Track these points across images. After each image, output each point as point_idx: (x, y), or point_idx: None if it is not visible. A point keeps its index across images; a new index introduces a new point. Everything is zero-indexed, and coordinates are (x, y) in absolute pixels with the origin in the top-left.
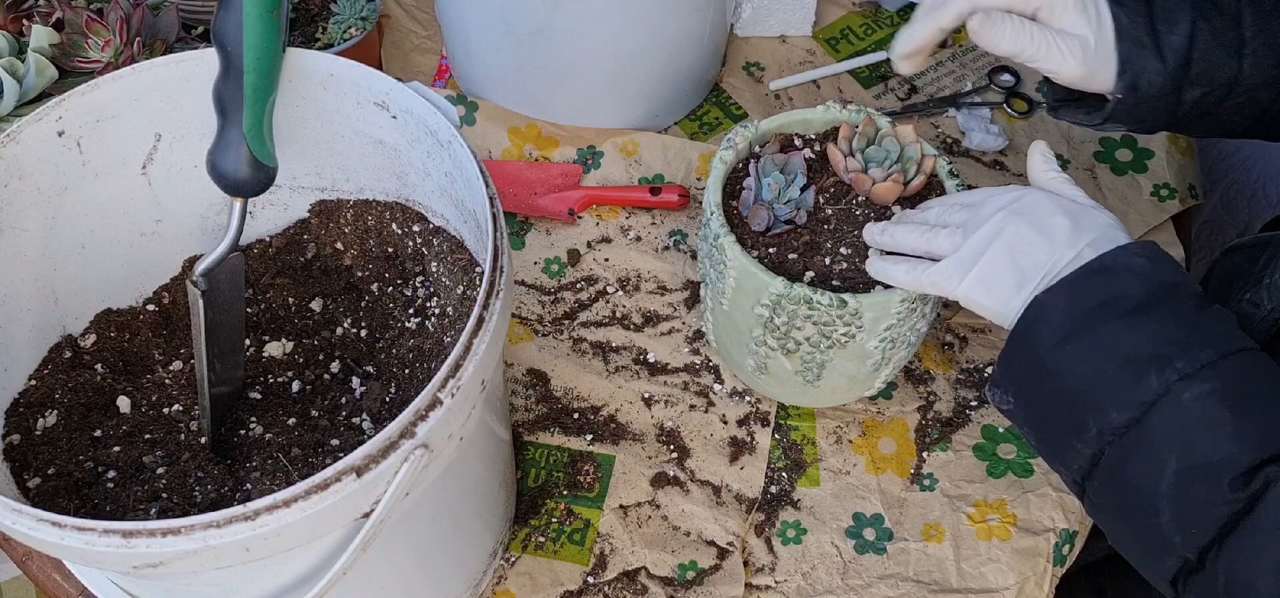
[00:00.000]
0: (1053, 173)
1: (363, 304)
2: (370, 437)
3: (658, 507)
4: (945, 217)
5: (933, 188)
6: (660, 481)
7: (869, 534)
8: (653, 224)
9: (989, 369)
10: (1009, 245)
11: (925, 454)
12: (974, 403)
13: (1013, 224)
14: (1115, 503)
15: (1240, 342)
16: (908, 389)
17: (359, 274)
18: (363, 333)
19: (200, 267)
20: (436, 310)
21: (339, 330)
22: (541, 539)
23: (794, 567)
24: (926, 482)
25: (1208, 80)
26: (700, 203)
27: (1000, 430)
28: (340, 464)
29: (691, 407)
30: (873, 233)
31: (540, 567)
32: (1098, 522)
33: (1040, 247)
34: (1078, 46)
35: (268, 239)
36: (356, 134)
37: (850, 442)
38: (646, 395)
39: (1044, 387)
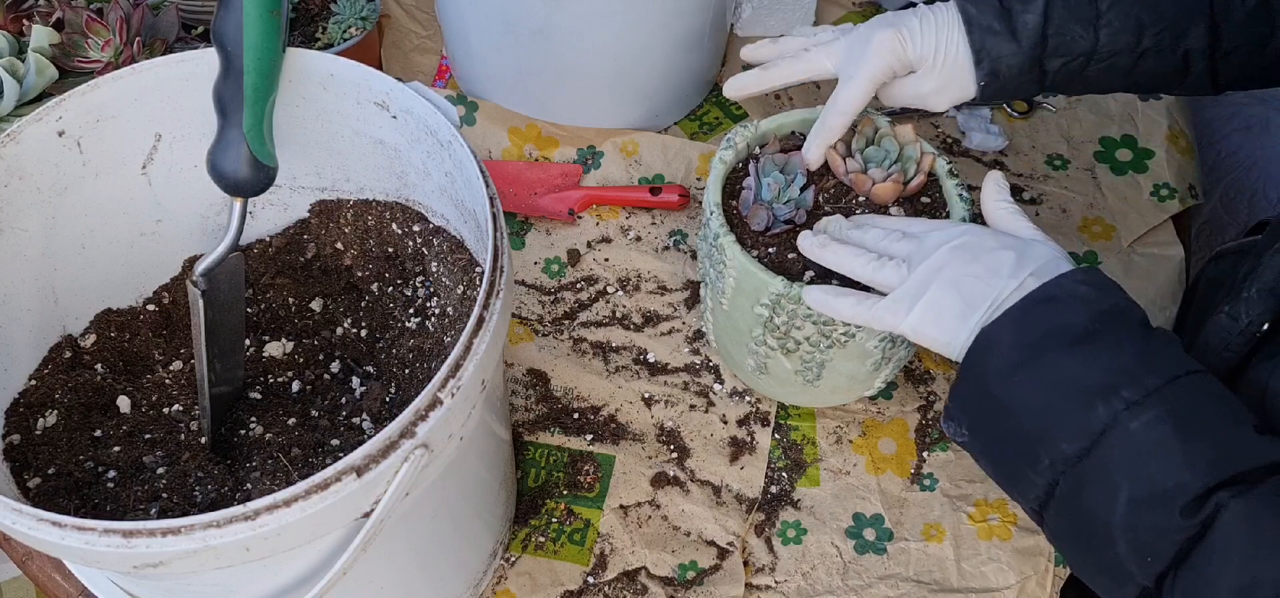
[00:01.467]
0: (1002, 203)
1: (363, 304)
2: (370, 437)
3: (658, 507)
4: (887, 245)
5: (933, 188)
6: (660, 480)
7: (869, 534)
8: (653, 224)
9: None
10: (954, 278)
11: (925, 454)
12: None
13: (957, 257)
14: (1072, 532)
15: (1187, 366)
16: (908, 389)
17: (359, 274)
18: (363, 333)
19: (200, 267)
20: (436, 310)
21: (339, 330)
22: (541, 539)
23: (794, 567)
24: (927, 481)
25: (1066, 51)
26: (700, 203)
27: None
28: (340, 464)
29: (691, 407)
30: (810, 246)
31: (540, 567)
32: (1058, 550)
33: (985, 278)
34: (933, 86)
35: (268, 239)
36: (356, 134)
37: (850, 442)
38: (646, 395)
39: (996, 418)
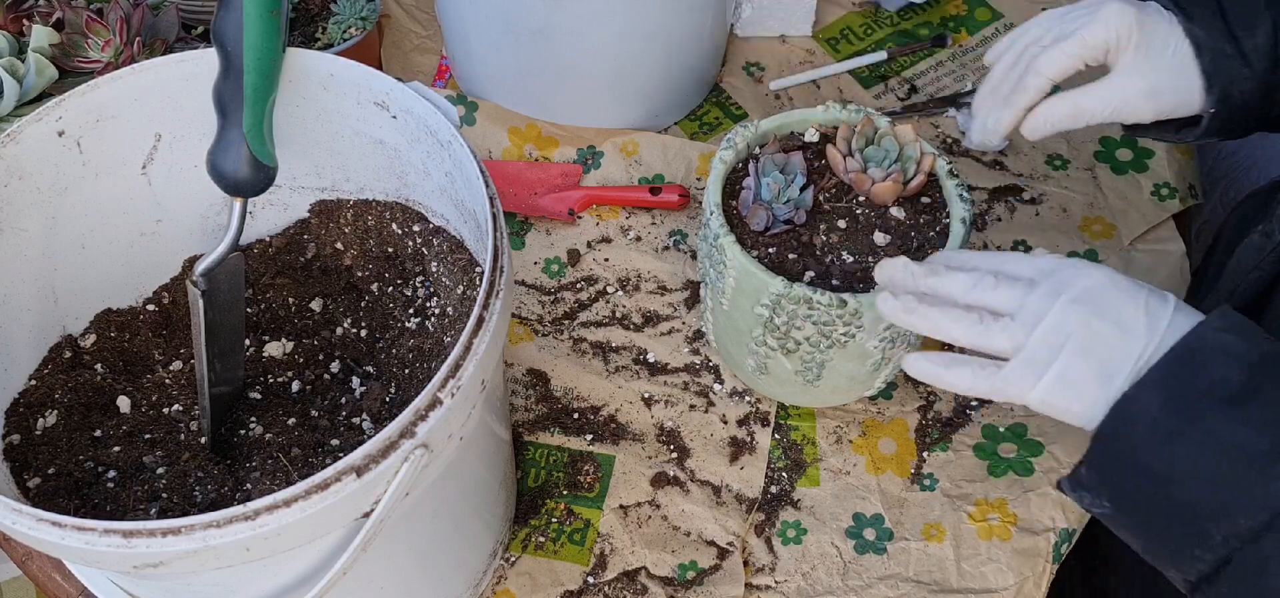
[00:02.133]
0: None
1: (363, 304)
2: (370, 437)
3: (658, 507)
4: (983, 297)
5: (933, 187)
6: (660, 481)
7: (869, 534)
8: (653, 224)
9: None
10: (1083, 344)
11: (926, 454)
12: (974, 403)
13: (1079, 314)
14: None
15: None
16: (908, 389)
17: (359, 274)
18: (363, 333)
19: (200, 267)
20: (436, 310)
21: (339, 330)
22: (541, 539)
23: (794, 567)
24: (927, 482)
25: None
26: (700, 203)
27: (1000, 430)
28: (340, 464)
29: (691, 407)
30: (895, 312)
31: (540, 567)
32: None
33: (1118, 338)
34: (1144, 86)
35: (268, 239)
36: (356, 134)
37: (850, 442)
38: (646, 395)
39: (1149, 491)
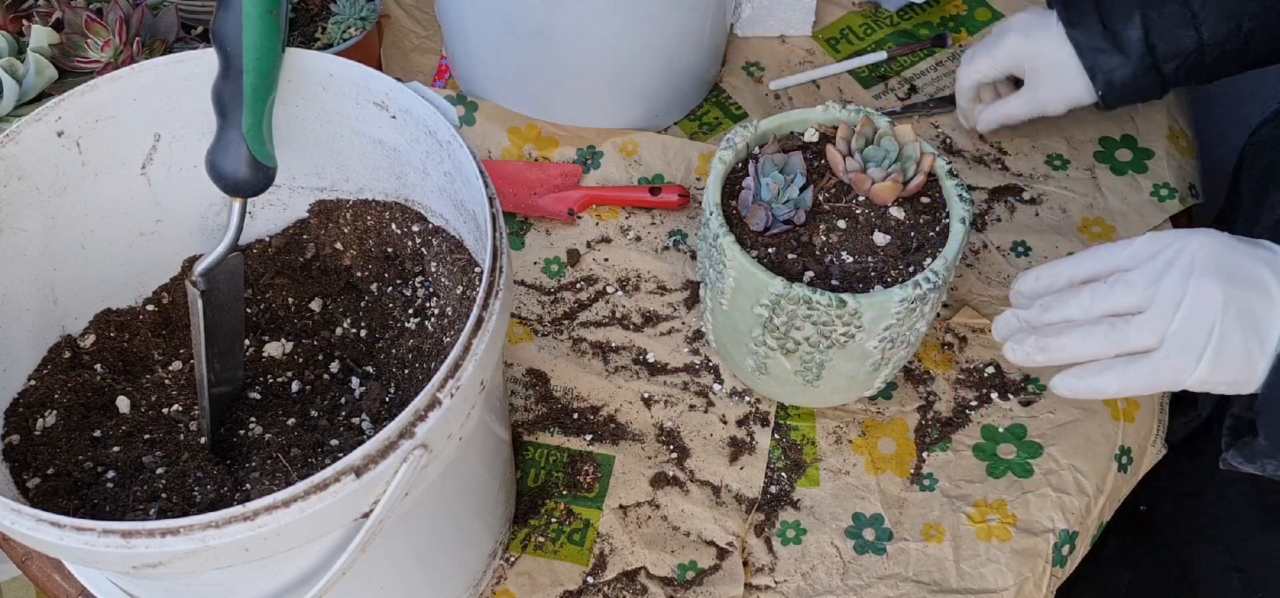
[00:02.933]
0: None
1: (362, 304)
2: (370, 437)
3: (657, 507)
4: (1108, 303)
5: (932, 187)
6: (660, 481)
7: (869, 534)
8: (652, 224)
9: (989, 369)
10: (1232, 314)
11: (925, 454)
12: (974, 403)
13: (1216, 286)
14: None
15: None
16: (907, 389)
17: (358, 274)
18: (362, 333)
19: (200, 267)
20: (436, 310)
21: (338, 330)
22: (541, 539)
23: (794, 567)
24: (926, 482)
25: (1175, 53)
26: (700, 203)
27: (1000, 430)
28: (340, 464)
29: (691, 407)
30: (1030, 355)
31: (540, 567)
32: None
33: (1261, 300)
34: (1050, 92)
35: (267, 239)
36: (356, 134)
37: (850, 442)
38: (646, 395)
39: None
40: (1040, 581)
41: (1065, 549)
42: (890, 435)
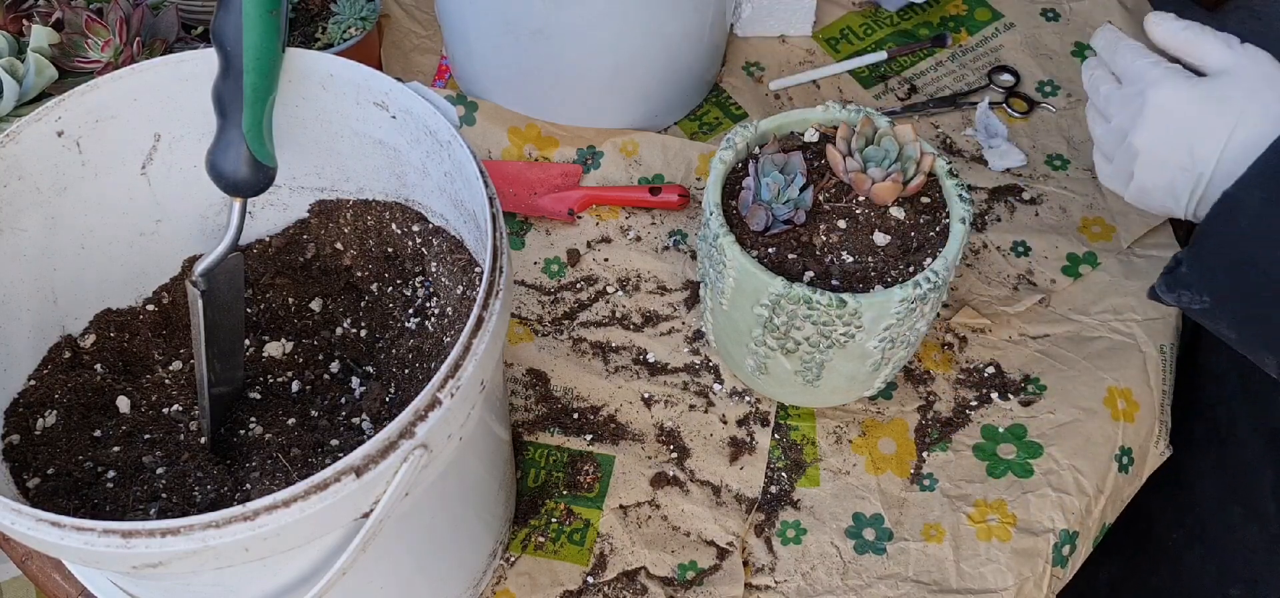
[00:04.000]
0: (1179, 32)
1: (362, 304)
2: (370, 437)
3: (657, 507)
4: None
5: (933, 187)
6: (660, 481)
7: (869, 534)
8: (652, 224)
9: (989, 369)
10: (1156, 144)
11: (925, 454)
12: (974, 403)
13: (1157, 126)
14: None
15: None
16: (908, 389)
17: (358, 274)
18: (362, 333)
19: (200, 267)
20: (436, 310)
21: (339, 330)
22: (541, 539)
23: (794, 567)
24: (926, 482)
25: None
26: (700, 203)
27: (1000, 430)
28: (340, 464)
29: (691, 407)
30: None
31: (540, 567)
32: None
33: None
34: None
35: (267, 239)
36: (356, 134)
37: (850, 442)
38: (646, 395)
39: (1254, 283)
40: (1041, 581)
41: (1066, 550)
42: (890, 435)
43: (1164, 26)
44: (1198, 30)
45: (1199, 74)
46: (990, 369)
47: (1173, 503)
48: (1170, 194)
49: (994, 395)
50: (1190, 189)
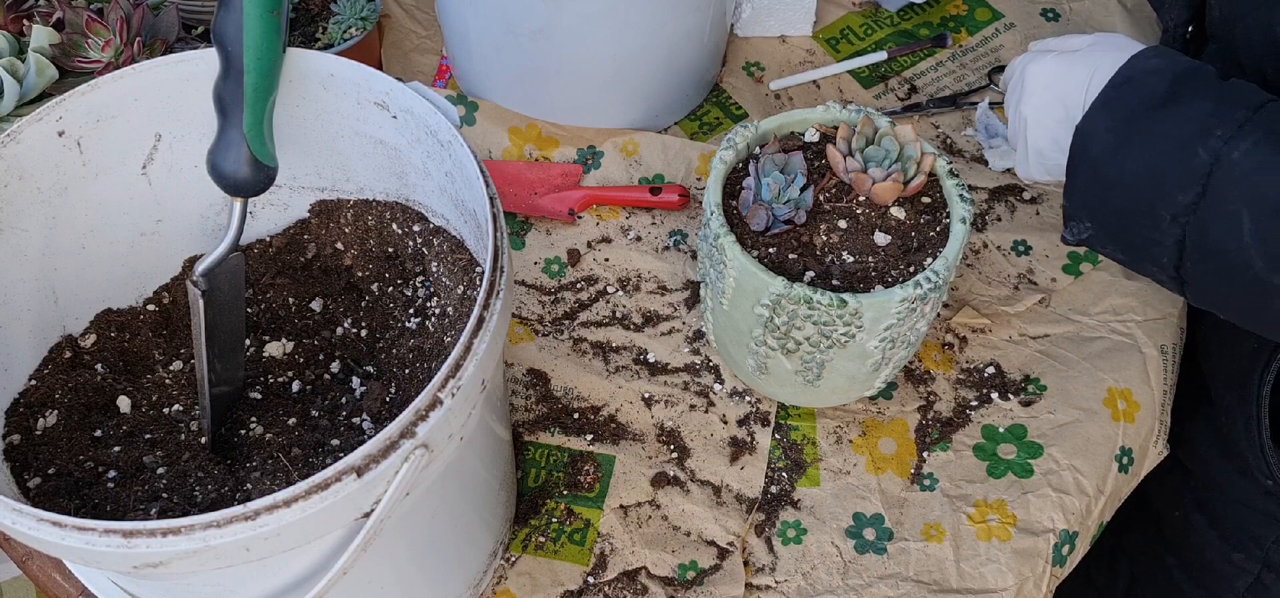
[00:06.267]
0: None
1: (363, 304)
2: (370, 437)
3: (658, 507)
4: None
5: (933, 187)
6: (660, 481)
7: (869, 534)
8: (653, 224)
9: (989, 369)
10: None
11: (926, 454)
12: (974, 403)
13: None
14: (1211, 274)
15: (1265, 96)
16: (908, 389)
17: (359, 274)
18: (363, 333)
19: (200, 267)
20: (436, 310)
21: (339, 330)
22: (541, 539)
23: (794, 567)
24: (927, 482)
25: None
26: (700, 203)
27: (1000, 431)
28: (340, 464)
29: (691, 407)
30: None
31: (540, 567)
32: (1204, 304)
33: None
34: None
35: (268, 239)
36: (356, 134)
37: (850, 442)
38: (646, 395)
39: (1112, 199)
40: (1040, 581)
41: (1065, 550)
42: (890, 435)
43: (1040, 39)
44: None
45: None
46: (990, 369)
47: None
48: (1057, 148)
49: (994, 395)
50: (1069, 138)
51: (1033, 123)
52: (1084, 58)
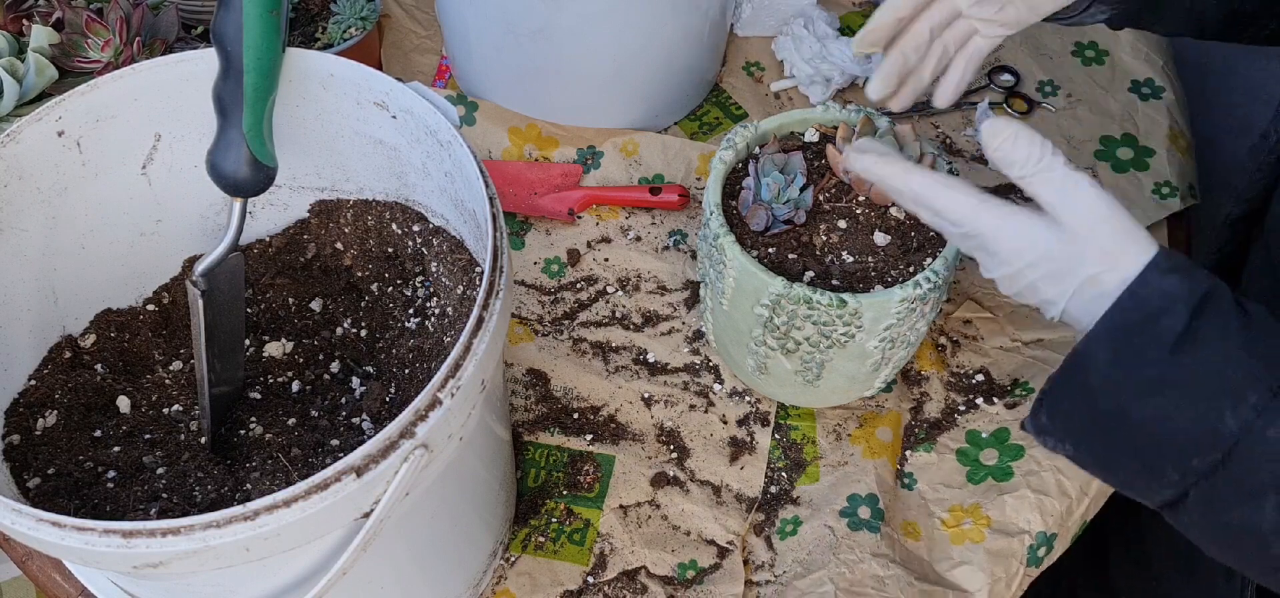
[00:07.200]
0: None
1: (363, 304)
2: (370, 437)
3: (658, 507)
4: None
5: None
6: (660, 480)
7: (863, 512)
8: (653, 224)
9: (978, 376)
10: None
11: (908, 453)
12: (962, 408)
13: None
14: (1213, 534)
15: None
16: (902, 388)
17: (359, 274)
18: (363, 333)
19: (200, 267)
20: (436, 310)
21: (339, 330)
22: (541, 539)
23: (790, 556)
24: (907, 480)
25: None
26: (700, 203)
27: (983, 436)
28: (340, 464)
29: (691, 407)
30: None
31: (540, 567)
32: (1192, 539)
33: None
34: None
35: (268, 239)
36: (356, 134)
37: (849, 436)
38: (646, 395)
39: (1107, 435)
40: (1011, 580)
41: (1042, 551)
42: (887, 425)
43: (999, 152)
44: (1031, 165)
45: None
46: (979, 377)
47: None
48: (1029, 300)
49: (980, 401)
50: (1050, 313)
51: (1002, 285)
52: (1070, 252)
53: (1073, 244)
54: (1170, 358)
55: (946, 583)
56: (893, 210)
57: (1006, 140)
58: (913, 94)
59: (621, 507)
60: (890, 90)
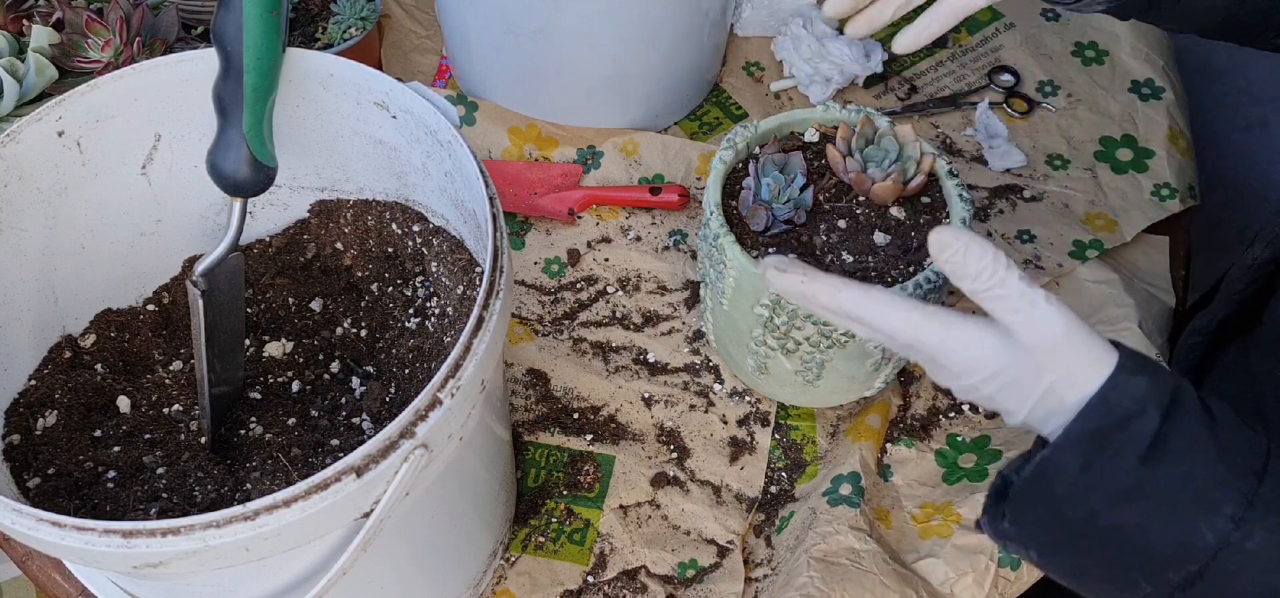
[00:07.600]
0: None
1: (363, 304)
2: (370, 437)
3: (658, 507)
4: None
5: (933, 188)
6: (660, 481)
7: (845, 489)
8: (653, 224)
9: None
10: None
11: (889, 445)
12: (949, 413)
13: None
14: None
15: (1265, 447)
16: (895, 384)
17: (359, 274)
18: (363, 333)
19: (200, 267)
20: (436, 310)
21: (339, 330)
22: (541, 539)
23: (784, 547)
24: (885, 471)
25: None
26: (700, 203)
27: (963, 441)
28: (340, 464)
29: (691, 407)
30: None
31: (540, 567)
32: None
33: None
34: None
35: (268, 239)
36: (356, 134)
37: (845, 431)
38: (646, 395)
39: (1076, 544)
40: (981, 578)
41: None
42: (876, 412)
43: (948, 266)
44: (983, 279)
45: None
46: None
47: None
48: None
49: (965, 407)
50: (1010, 421)
51: (956, 391)
52: (1029, 365)
53: (1031, 359)
54: (1142, 465)
55: (914, 573)
56: (893, 210)
57: (956, 253)
58: (868, 24)
59: (621, 507)
60: (844, 9)
